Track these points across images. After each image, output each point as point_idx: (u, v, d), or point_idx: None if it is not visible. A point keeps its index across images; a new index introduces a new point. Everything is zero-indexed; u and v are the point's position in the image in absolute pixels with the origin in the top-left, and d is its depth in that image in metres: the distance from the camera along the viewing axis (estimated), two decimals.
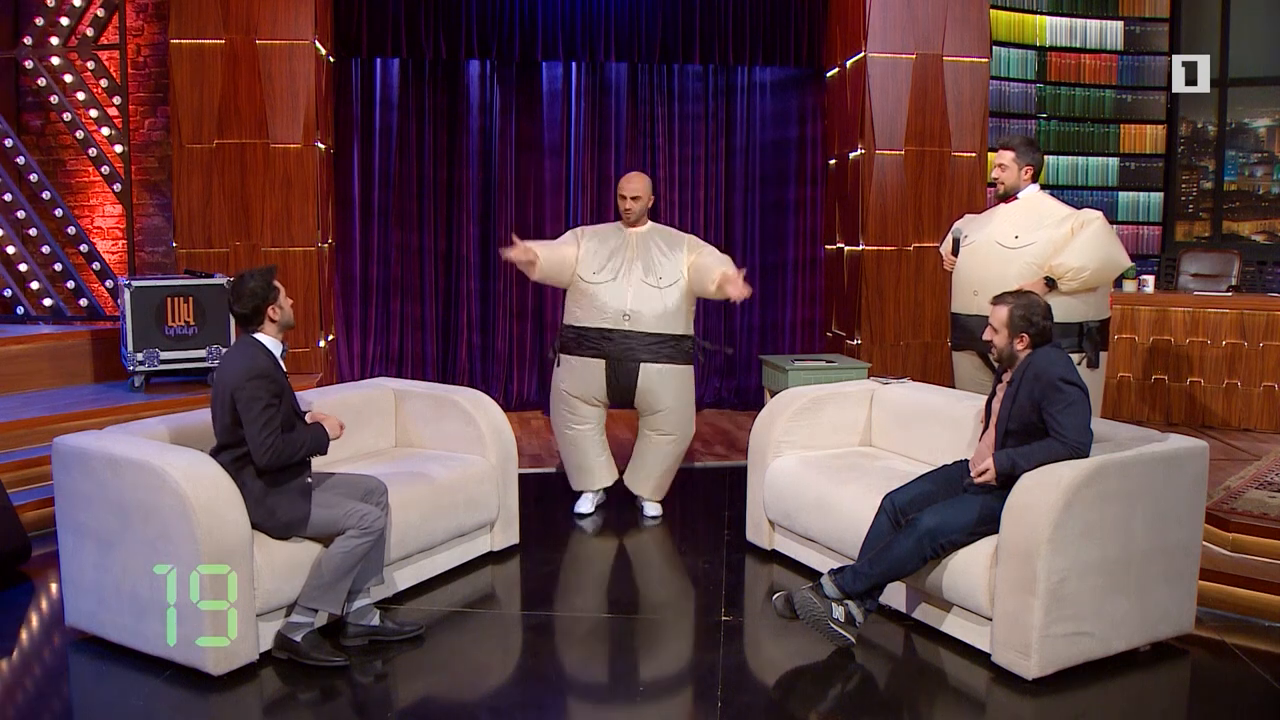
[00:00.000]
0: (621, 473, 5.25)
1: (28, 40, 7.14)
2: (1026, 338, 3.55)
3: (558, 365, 5.09)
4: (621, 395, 4.98)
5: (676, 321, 4.92)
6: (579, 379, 4.98)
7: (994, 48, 7.34)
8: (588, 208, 7.71)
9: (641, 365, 4.86)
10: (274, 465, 3.40)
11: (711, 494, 5.62)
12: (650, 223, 5.07)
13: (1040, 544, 3.23)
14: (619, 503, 5.29)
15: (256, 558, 3.37)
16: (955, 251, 4.81)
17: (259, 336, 3.51)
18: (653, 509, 5.18)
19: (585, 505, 5.20)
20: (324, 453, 3.57)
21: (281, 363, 3.53)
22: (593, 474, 5.16)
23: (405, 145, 7.63)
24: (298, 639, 3.42)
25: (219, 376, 3.47)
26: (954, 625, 3.61)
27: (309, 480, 3.57)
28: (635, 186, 4.98)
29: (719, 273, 4.77)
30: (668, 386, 4.93)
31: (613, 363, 4.88)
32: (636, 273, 4.88)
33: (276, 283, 3.53)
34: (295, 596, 3.49)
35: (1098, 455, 3.38)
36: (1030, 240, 4.48)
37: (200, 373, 6.12)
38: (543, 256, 4.88)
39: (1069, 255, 4.38)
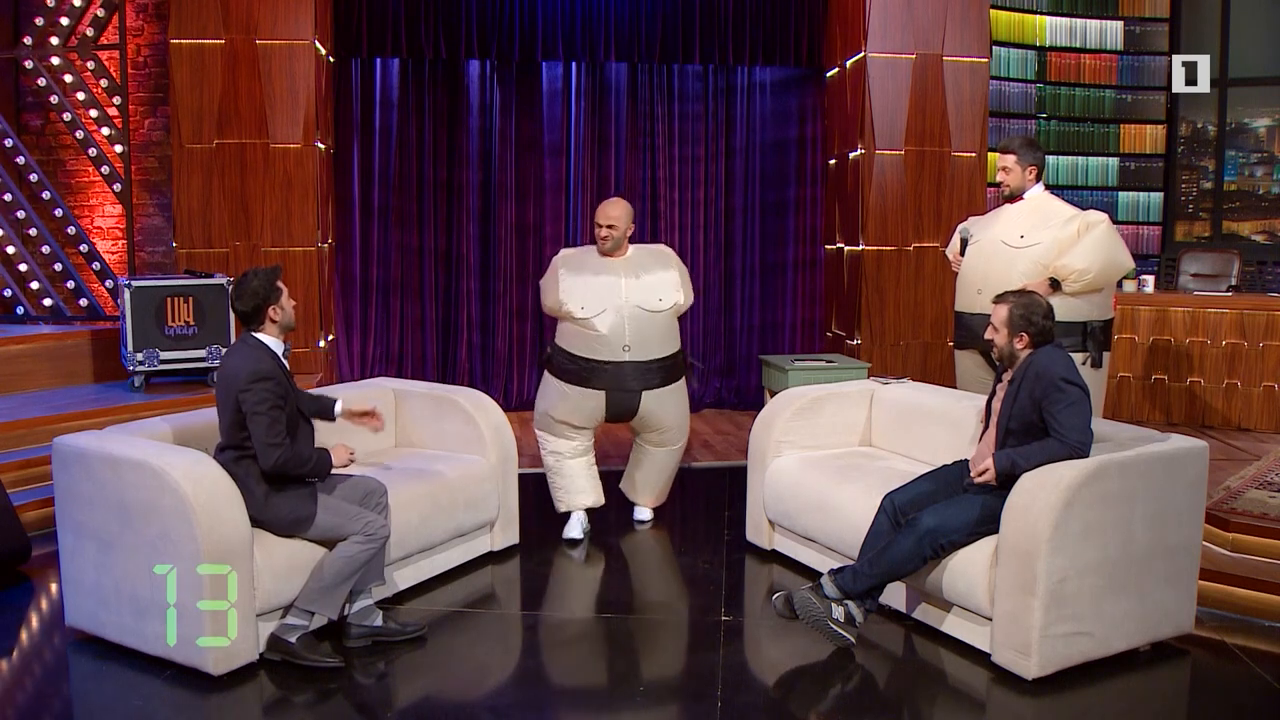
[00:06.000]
0: (617, 480, 5.21)
1: (28, 40, 7.15)
2: (1026, 337, 3.54)
3: (544, 384, 4.87)
4: (620, 417, 4.81)
5: (670, 341, 4.77)
6: (575, 407, 4.75)
7: (994, 48, 7.34)
8: (588, 208, 7.69)
9: (643, 392, 4.70)
10: (278, 471, 3.41)
11: (711, 494, 5.62)
12: (630, 246, 4.79)
13: (1040, 544, 3.22)
14: (617, 504, 5.28)
15: (256, 558, 3.37)
16: (963, 252, 4.81)
17: (260, 336, 3.52)
18: (644, 513, 5.13)
19: (576, 530, 4.89)
20: (323, 479, 3.59)
21: (284, 362, 3.54)
22: (581, 495, 4.91)
23: (405, 145, 7.62)
24: (292, 640, 3.42)
25: (222, 375, 3.48)
26: (954, 625, 3.61)
27: (314, 481, 3.58)
28: (613, 214, 4.68)
29: None
30: (668, 406, 4.81)
31: (613, 394, 4.68)
32: (633, 301, 4.63)
33: (280, 283, 3.54)
34: (295, 597, 3.48)
35: (1098, 455, 3.38)
36: (1036, 240, 4.48)
37: (200, 373, 6.11)
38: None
39: (1073, 257, 4.38)
